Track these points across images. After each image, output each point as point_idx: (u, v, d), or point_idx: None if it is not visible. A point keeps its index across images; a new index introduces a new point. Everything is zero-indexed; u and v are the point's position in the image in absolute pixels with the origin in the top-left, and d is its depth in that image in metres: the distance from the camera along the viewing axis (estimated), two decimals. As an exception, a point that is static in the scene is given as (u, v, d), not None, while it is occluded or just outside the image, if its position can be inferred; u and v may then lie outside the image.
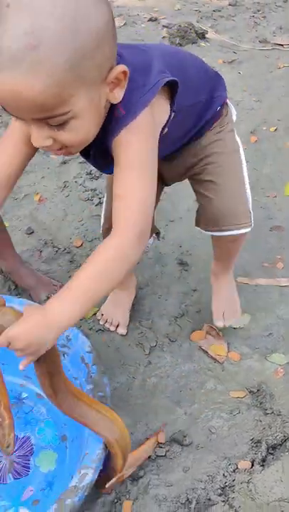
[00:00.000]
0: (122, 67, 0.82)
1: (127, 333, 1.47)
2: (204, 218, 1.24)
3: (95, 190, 1.96)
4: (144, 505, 1.12)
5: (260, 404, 1.33)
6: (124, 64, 0.83)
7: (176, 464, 1.20)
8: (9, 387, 1.23)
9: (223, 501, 1.10)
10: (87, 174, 2.03)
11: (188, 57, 1.11)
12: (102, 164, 1.05)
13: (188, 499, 1.11)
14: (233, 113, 1.22)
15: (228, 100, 1.18)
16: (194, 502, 1.09)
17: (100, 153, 0.97)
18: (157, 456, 1.21)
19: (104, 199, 1.36)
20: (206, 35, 3.03)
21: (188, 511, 1.09)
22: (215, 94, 1.12)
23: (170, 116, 0.98)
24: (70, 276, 1.66)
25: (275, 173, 2.11)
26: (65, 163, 2.08)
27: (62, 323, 0.85)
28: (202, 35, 3.00)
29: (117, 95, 0.84)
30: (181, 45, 2.91)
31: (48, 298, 1.45)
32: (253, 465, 1.18)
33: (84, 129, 0.83)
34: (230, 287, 1.49)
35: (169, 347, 1.46)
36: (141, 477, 1.17)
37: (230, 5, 3.51)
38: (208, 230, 1.24)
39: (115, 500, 1.13)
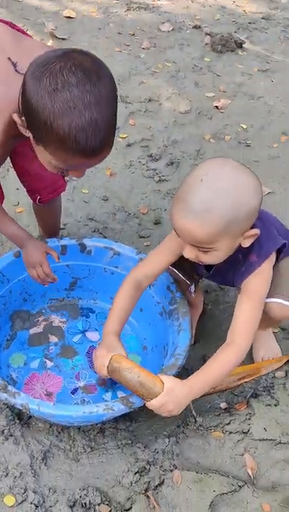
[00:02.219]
0: (255, 231, 1.26)
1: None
2: None
3: (155, 169, 2.38)
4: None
5: (290, 337, 1.76)
6: (258, 227, 1.28)
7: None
8: (101, 311, 1.67)
9: (267, 394, 1.53)
10: (148, 156, 2.44)
11: (284, 228, 1.50)
12: (219, 278, 1.49)
13: (241, 391, 1.54)
14: None
15: None
16: (250, 393, 1.52)
17: (223, 275, 1.41)
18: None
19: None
20: (244, 45, 3.44)
21: (242, 399, 1.52)
22: None
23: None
24: (139, 236, 2.09)
25: (302, 168, 2.54)
26: (129, 145, 2.49)
27: (194, 396, 1.29)
28: (240, 45, 3.42)
29: (247, 243, 1.28)
30: (221, 52, 3.33)
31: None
32: (287, 374, 1.61)
33: (218, 257, 1.27)
34: (267, 335, 1.71)
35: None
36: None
37: (263, 18, 3.92)
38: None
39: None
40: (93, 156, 1.11)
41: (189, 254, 1.28)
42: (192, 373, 1.60)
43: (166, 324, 1.59)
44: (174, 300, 1.58)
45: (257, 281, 1.34)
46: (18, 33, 1.37)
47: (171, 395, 1.24)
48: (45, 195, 1.71)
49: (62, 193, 1.77)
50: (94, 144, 1.07)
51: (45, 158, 1.16)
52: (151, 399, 1.24)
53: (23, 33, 1.43)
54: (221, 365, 1.31)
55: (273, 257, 1.38)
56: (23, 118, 1.15)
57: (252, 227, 1.27)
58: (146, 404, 1.27)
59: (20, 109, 1.15)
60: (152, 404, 1.25)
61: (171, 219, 1.24)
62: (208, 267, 1.44)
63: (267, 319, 1.50)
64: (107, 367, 1.31)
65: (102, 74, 1.07)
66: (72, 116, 1.03)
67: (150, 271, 1.47)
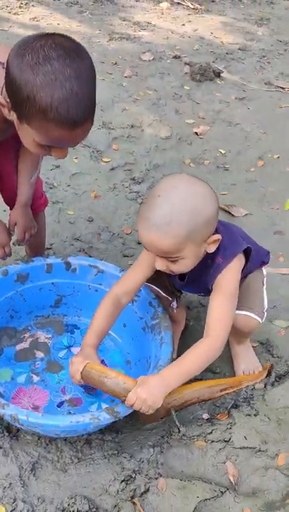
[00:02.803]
0: (217, 236, 1.36)
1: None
2: None
3: (138, 192, 2.48)
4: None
5: (268, 351, 1.84)
6: (219, 228, 1.39)
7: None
8: (85, 327, 1.76)
9: (247, 404, 1.60)
10: (131, 179, 2.54)
11: (248, 235, 1.64)
12: (193, 286, 1.57)
13: (222, 403, 1.61)
14: (264, 273, 1.69)
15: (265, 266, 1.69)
16: (231, 404, 1.59)
17: (196, 282, 1.50)
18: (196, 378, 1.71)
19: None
20: (221, 75, 3.60)
21: (223, 410, 1.59)
22: (262, 260, 1.65)
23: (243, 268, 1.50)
24: (123, 255, 2.16)
25: (277, 191, 2.66)
26: (113, 169, 2.59)
27: (170, 388, 1.36)
28: (218, 74, 3.58)
29: (212, 249, 1.38)
30: (200, 81, 3.48)
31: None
32: (265, 386, 1.68)
33: (187, 265, 1.37)
34: (246, 350, 1.78)
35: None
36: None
37: (239, 49, 4.10)
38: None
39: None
40: (74, 128, 1.16)
41: (160, 265, 1.37)
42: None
43: (149, 338, 1.65)
44: (156, 315, 1.65)
45: (225, 278, 1.43)
46: None
47: (143, 385, 1.32)
48: None
49: (49, 214, 1.84)
50: (75, 114, 1.13)
51: (29, 137, 1.21)
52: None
53: None
54: (194, 357, 1.39)
55: (241, 258, 1.47)
56: (7, 100, 1.20)
57: (215, 233, 1.36)
58: (125, 402, 1.33)
59: (5, 94, 1.20)
60: (128, 398, 1.32)
61: (139, 235, 1.34)
62: (182, 277, 1.53)
63: (236, 331, 1.61)
64: (81, 372, 1.39)
65: (81, 54, 1.15)
66: (53, 87, 1.10)
67: (129, 286, 1.56)
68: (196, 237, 1.31)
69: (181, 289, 1.70)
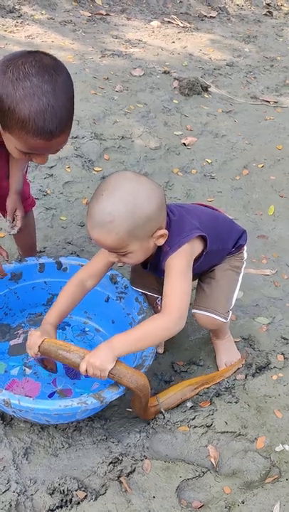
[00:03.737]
0: (163, 231, 1.43)
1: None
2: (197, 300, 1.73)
3: (127, 199, 2.59)
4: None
5: (250, 345, 1.93)
6: (172, 220, 1.49)
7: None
8: (76, 324, 1.83)
9: (229, 393, 1.69)
10: (121, 187, 2.65)
11: (220, 218, 1.72)
12: (155, 272, 1.63)
13: (205, 392, 1.70)
14: (245, 257, 1.77)
15: (245, 247, 1.76)
16: (213, 393, 1.68)
17: (155, 268, 1.58)
18: (181, 371, 1.81)
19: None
20: (209, 89, 3.75)
21: (206, 398, 1.68)
22: (238, 243, 1.73)
23: (202, 254, 1.57)
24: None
25: (261, 198, 2.79)
26: (104, 178, 2.70)
27: (117, 352, 1.42)
28: (206, 89, 3.72)
29: (160, 242, 1.46)
30: (189, 95, 3.62)
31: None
32: (246, 377, 1.77)
33: (135, 258, 1.46)
34: (227, 343, 1.85)
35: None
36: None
37: (227, 65, 4.26)
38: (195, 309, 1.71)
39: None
40: (51, 138, 1.27)
41: (112, 258, 1.48)
42: (162, 380, 1.78)
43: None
44: (142, 310, 1.75)
45: (173, 261, 1.49)
46: None
47: (92, 353, 1.42)
48: None
49: (43, 220, 1.94)
50: (51, 126, 1.24)
51: (11, 144, 1.32)
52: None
53: None
54: (144, 328, 1.46)
55: (193, 244, 1.52)
56: None
57: (162, 228, 1.44)
58: (80, 370, 1.43)
59: None
60: (81, 366, 1.42)
61: (88, 233, 1.42)
62: (144, 264, 1.61)
63: (205, 327, 1.75)
64: (39, 346, 1.49)
65: (59, 69, 1.26)
66: (31, 101, 1.21)
67: (94, 270, 1.66)
68: (138, 233, 1.38)
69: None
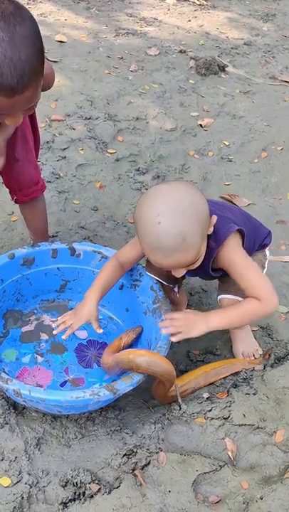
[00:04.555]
0: (214, 217, 1.42)
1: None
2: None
3: (142, 182, 2.52)
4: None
5: (268, 335, 1.87)
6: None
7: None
8: None
9: (247, 384, 1.64)
10: (136, 170, 2.58)
11: (249, 217, 1.71)
12: (199, 273, 1.63)
13: (222, 383, 1.65)
14: (267, 254, 1.77)
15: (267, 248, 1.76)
16: (230, 384, 1.63)
17: (199, 270, 1.51)
18: (197, 360, 1.76)
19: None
20: (226, 69, 3.63)
21: (223, 389, 1.63)
22: (263, 242, 1.71)
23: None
24: (127, 243, 2.20)
25: (280, 182, 2.70)
26: (118, 160, 2.63)
27: (211, 326, 1.46)
28: (223, 68, 3.61)
29: (211, 231, 1.42)
30: (205, 75, 3.51)
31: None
32: (264, 368, 1.72)
33: (201, 259, 1.42)
34: (244, 333, 1.80)
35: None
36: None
37: (245, 44, 4.13)
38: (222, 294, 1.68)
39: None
40: (13, 95, 1.14)
41: (179, 273, 1.43)
42: (178, 369, 1.73)
43: (150, 322, 1.69)
44: (156, 299, 1.69)
45: (230, 255, 1.48)
46: None
47: (188, 316, 1.50)
48: (20, 197, 1.81)
49: (55, 203, 1.87)
50: (10, 80, 1.11)
51: None
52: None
53: None
54: (244, 309, 1.48)
55: (236, 236, 1.51)
56: None
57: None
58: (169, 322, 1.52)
59: None
60: (174, 317, 1.50)
61: (157, 263, 1.38)
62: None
63: None
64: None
65: (20, 16, 1.11)
66: None
67: (128, 258, 1.65)
68: (205, 233, 1.38)
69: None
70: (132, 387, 1.43)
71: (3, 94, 1.13)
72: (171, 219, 1.29)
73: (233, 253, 1.48)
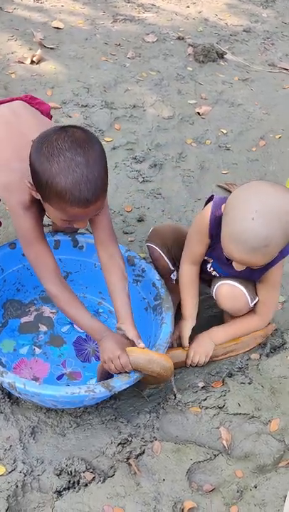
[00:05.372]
0: None
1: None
2: None
3: (139, 171, 2.50)
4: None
5: (265, 324, 1.87)
6: None
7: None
8: (90, 304, 1.76)
9: (242, 374, 1.63)
10: (132, 158, 2.56)
11: None
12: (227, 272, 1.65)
13: (217, 372, 1.65)
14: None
15: None
16: (225, 373, 1.63)
17: (248, 273, 1.56)
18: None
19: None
20: (225, 56, 3.59)
21: (218, 378, 1.63)
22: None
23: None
24: (123, 232, 2.20)
25: (278, 170, 2.68)
26: (114, 148, 2.61)
27: (216, 341, 1.67)
28: (221, 56, 3.57)
29: None
30: (204, 62, 3.47)
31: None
32: (260, 357, 1.72)
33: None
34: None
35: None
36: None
37: (244, 31, 4.08)
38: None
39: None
40: (88, 206, 1.31)
41: (240, 268, 1.47)
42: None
43: (151, 318, 1.69)
44: (158, 296, 1.68)
45: (278, 273, 1.56)
46: (38, 114, 1.66)
47: (197, 343, 1.66)
48: None
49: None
50: (87, 195, 1.29)
51: (52, 213, 1.39)
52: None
53: (41, 104, 1.71)
54: (242, 325, 1.67)
55: None
56: (32, 183, 1.38)
57: None
58: (187, 360, 1.67)
59: (30, 178, 1.38)
60: (189, 353, 1.66)
61: (229, 253, 1.39)
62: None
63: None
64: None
65: (91, 141, 1.31)
66: (66, 174, 1.27)
67: (202, 254, 1.67)
68: (284, 246, 1.40)
69: (220, 273, 1.70)
70: (128, 385, 1.43)
71: (81, 206, 1.31)
72: (265, 222, 1.31)
73: (279, 270, 1.57)
